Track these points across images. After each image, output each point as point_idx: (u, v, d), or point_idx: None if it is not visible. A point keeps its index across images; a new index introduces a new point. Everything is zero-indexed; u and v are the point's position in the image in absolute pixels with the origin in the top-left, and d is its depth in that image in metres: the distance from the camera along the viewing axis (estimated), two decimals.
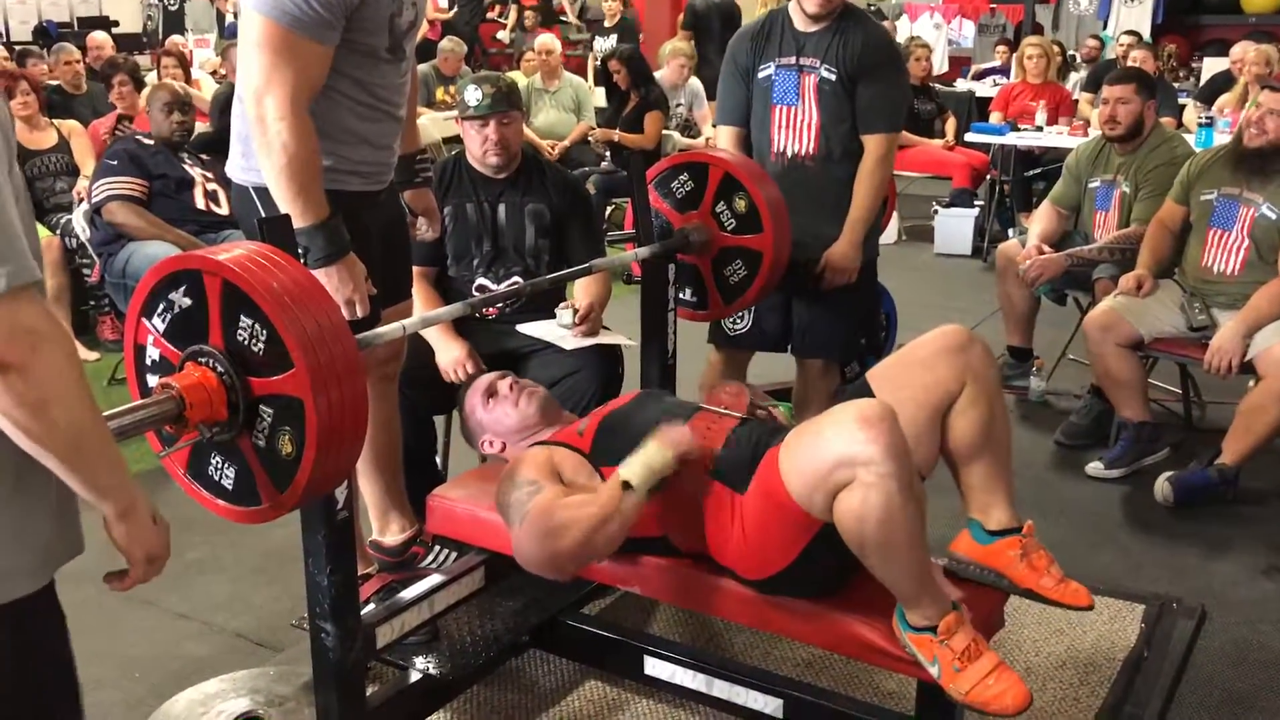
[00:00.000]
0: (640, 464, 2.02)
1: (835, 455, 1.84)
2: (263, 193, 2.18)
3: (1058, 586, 2.07)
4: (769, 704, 2.30)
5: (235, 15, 10.21)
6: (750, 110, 3.30)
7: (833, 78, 3.14)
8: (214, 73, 8.93)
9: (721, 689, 2.35)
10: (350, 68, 2.18)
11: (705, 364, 3.52)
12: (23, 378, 1.15)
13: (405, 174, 2.52)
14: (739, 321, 3.35)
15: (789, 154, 3.22)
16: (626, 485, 1.99)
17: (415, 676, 2.40)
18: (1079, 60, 9.40)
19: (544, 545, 2.00)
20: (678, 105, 7.65)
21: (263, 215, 2.16)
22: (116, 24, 10.44)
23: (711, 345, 3.49)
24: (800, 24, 3.20)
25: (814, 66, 3.16)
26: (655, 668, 2.43)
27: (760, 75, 3.25)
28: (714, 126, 3.66)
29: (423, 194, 2.61)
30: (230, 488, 1.82)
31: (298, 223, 2.05)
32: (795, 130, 3.21)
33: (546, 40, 7.75)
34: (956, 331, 2.15)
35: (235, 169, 2.31)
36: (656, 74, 7.53)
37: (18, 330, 1.14)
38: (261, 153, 2.09)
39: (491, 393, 2.47)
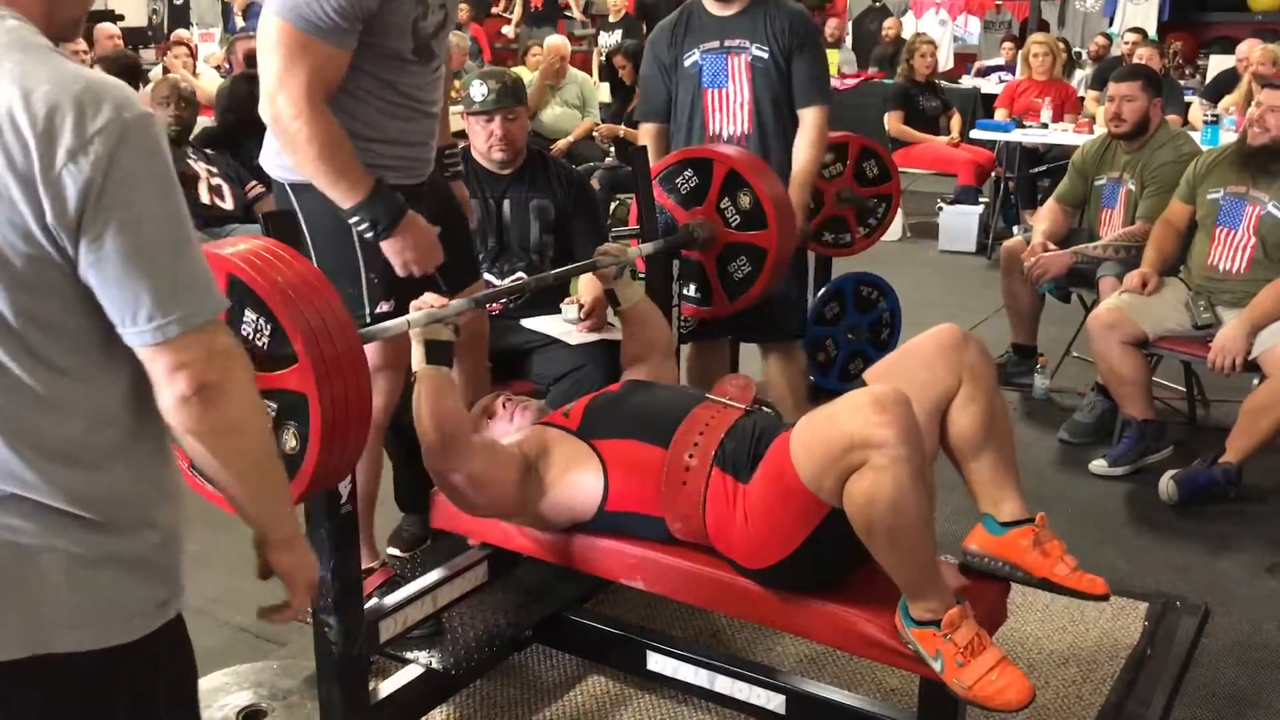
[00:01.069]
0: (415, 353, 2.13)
1: (848, 437, 1.84)
2: (296, 188, 2.21)
3: (1072, 574, 2.06)
4: (771, 700, 2.30)
5: (241, 13, 10.22)
6: (671, 105, 3.34)
7: (765, 55, 3.21)
8: (219, 67, 8.93)
9: (724, 685, 2.35)
10: (376, 69, 2.19)
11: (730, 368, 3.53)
12: (221, 399, 1.20)
13: (437, 166, 2.50)
14: (686, 319, 3.34)
15: (725, 135, 3.27)
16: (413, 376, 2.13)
17: (418, 671, 2.40)
18: (1085, 57, 9.39)
19: (431, 467, 2.16)
20: None
21: (295, 209, 2.21)
22: (122, 18, 10.41)
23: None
24: (715, 9, 3.26)
25: (743, 47, 3.22)
26: (658, 663, 2.43)
27: (686, 63, 3.29)
28: (632, 125, 3.68)
29: (454, 187, 2.58)
30: None
31: (345, 203, 2.11)
32: (729, 112, 3.27)
33: (558, 43, 7.70)
34: (952, 330, 2.16)
35: (271, 165, 2.31)
36: None
37: (216, 354, 1.19)
38: (289, 151, 2.11)
39: (489, 414, 2.47)
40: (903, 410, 1.84)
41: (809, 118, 3.26)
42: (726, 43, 3.24)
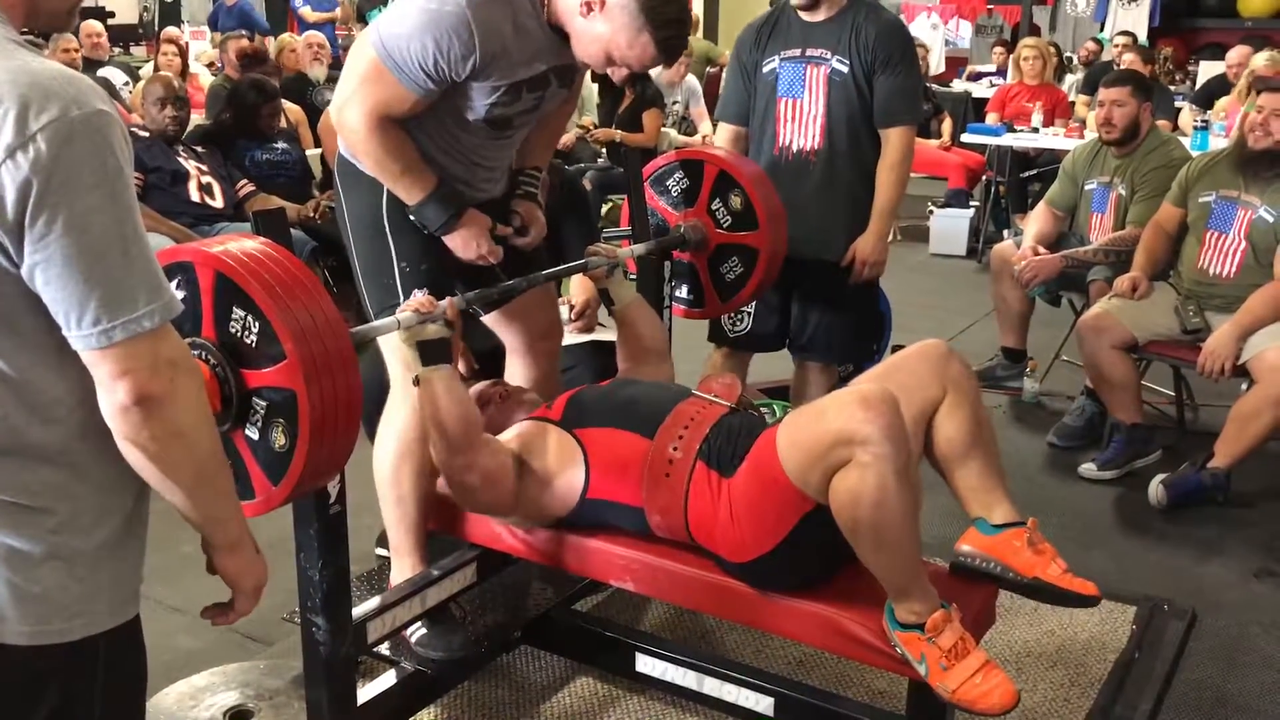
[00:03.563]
0: (396, 357, 2.17)
1: (834, 433, 1.85)
2: (345, 174, 2.34)
3: (1063, 576, 2.06)
4: (760, 702, 2.30)
5: (229, 7, 10.16)
6: (751, 108, 3.27)
7: (845, 69, 3.07)
8: (210, 65, 8.91)
9: (712, 686, 2.35)
10: (447, 116, 2.24)
11: (703, 363, 3.51)
12: (163, 409, 1.18)
13: (508, 185, 2.49)
14: (739, 323, 3.33)
15: (794, 149, 3.17)
16: (416, 381, 2.12)
17: (406, 672, 2.39)
18: (1076, 62, 9.41)
19: (448, 466, 2.16)
20: (674, 102, 7.65)
21: (341, 194, 2.35)
22: (113, 15, 10.38)
23: (713, 345, 3.48)
24: (805, 15, 3.13)
25: (824, 58, 3.09)
26: (646, 665, 2.43)
27: (765, 69, 3.19)
28: (714, 123, 3.64)
29: (522, 205, 2.49)
30: None
31: (408, 201, 2.24)
32: (800, 124, 3.15)
33: None
34: (936, 344, 2.19)
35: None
36: (652, 71, 7.50)
37: (160, 363, 1.17)
38: (353, 152, 2.25)
39: (484, 401, 2.47)
40: (889, 408, 1.85)
41: (893, 139, 3.09)
42: (808, 52, 3.11)
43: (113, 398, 1.16)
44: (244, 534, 1.38)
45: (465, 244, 2.30)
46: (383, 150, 2.18)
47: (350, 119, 2.18)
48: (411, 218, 2.27)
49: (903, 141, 3.11)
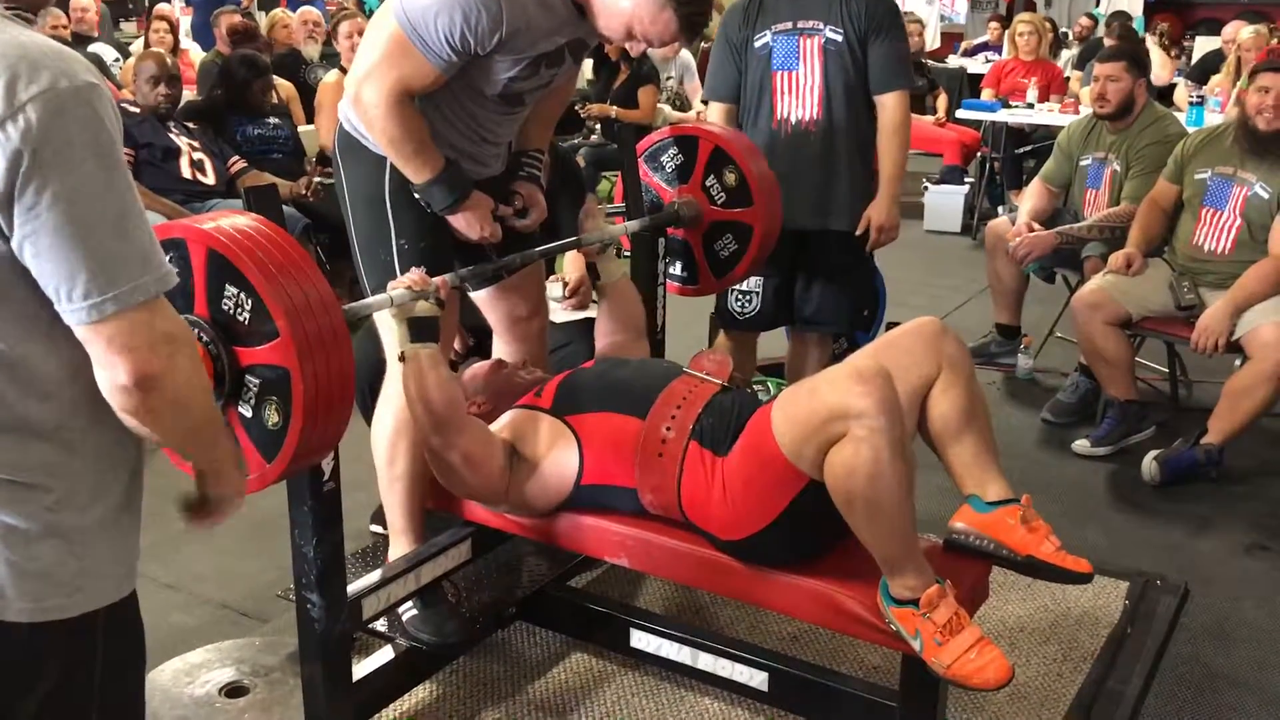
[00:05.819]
0: (391, 334, 2.14)
1: (829, 408, 1.86)
2: (346, 147, 2.32)
3: (1056, 554, 2.07)
4: (754, 677, 2.31)
5: None
6: (741, 85, 3.26)
7: (839, 38, 3.09)
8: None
9: (707, 662, 2.36)
10: (461, 94, 2.24)
11: (697, 341, 3.52)
12: (162, 386, 1.17)
13: (511, 165, 2.49)
14: (747, 305, 3.33)
15: (792, 120, 3.17)
16: (401, 357, 2.11)
17: (401, 648, 2.40)
18: (1071, 38, 9.39)
19: (429, 445, 2.17)
20: (668, 78, 7.61)
21: (341, 169, 2.34)
22: None
23: (721, 329, 3.47)
24: None
25: (816, 29, 3.11)
26: (641, 640, 2.44)
27: (757, 44, 3.19)
28: (703, 102, 3.62)
29: (524, 187, 2.48)
30: None
31: (415, 180, 2.23)
32: (798, 95, 3.16)
33: None
34: (931, 322, 2.20)
35: (342, 114, 2.37)
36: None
37: (157, 339, 1.15)
38: (366, 127, 2.23)
39: (491, 374, 2.46)
40: (883, 382, 1.86)
41: (890, 104, 3.12)
42: (800, 24, 3.13)
43: (111, 376, 1.15)
44: (232, 466, 1.41)
45: (469, 225, 2.30)
46: (399, 128, 2.17)
47: (369, 95, 2.16)
48: (417, 196, 2.26)
49: (900, 106, 3.14)
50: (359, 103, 2.19)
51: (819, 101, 3.14)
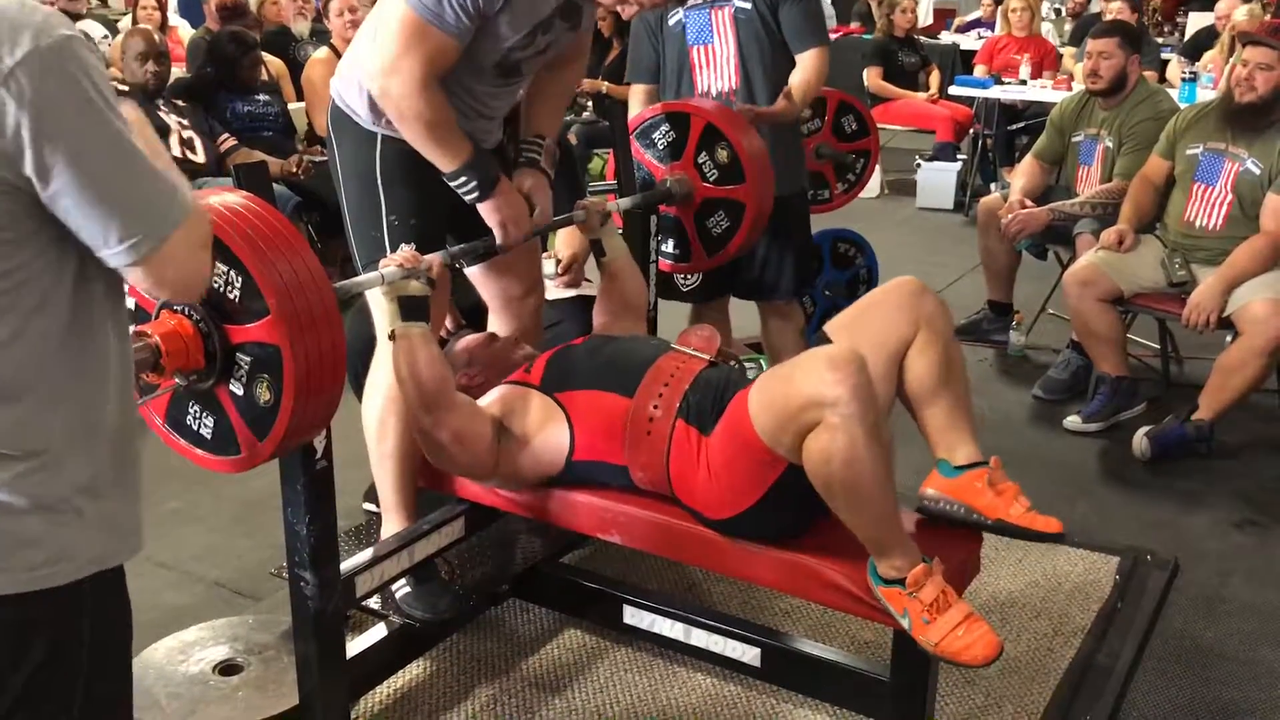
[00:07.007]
0: (382, 312, 2.13)
1: (803, 396, 1.86)
2: (338, 124, 2.34)
3: (1025, 515, 2.07)
4: (746, 653, 2.32)
5: None
6: (660, 65, 3.28)
7: (749, 6, 3.11)
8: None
9: (699, 638, 2.37)
10: (458, 69, 2.22)
11: (685, 319, 3.50)
12: (201, 285, 1.31)
13: (512, 151, 2.48)
14: (688, 278, 3.33)
15: (713, 93, 3.19)
16: (392, 335, 2.10)
17: (395, 625, 2.41)
18: (1064, 14, 9.35)
19: (418, 424, 2.18)
20: None
21: (334, 144, 2.35)
22: None
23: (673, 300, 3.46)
24: None
25: (725, 1, 3.13)
26: (634, 617, 2.45)
27: (670, 22, 3.22)
28: (626, 84, 3.62)
29: (523, 174, 2.44)
30: (209, 437, 1.81)
31: (444, 168, 2.24)
32: (716, 68, 3.19)
33: None
34: (910, 281, 2.19)
35: (336, 90, 2.37)
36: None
37: (195, 251, 1.25)
38: (395, 119, 2.21)
39: (481, 348, 2.47)
40: (856, 368, 1.85)
41: (808, 60, 3.10)
42: None
43: (158, 294, 1.29)
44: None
45: (495, 211, 2.30)
46: (434, 112, 2.16)
47: (396, 87, 2.14)
48: (454, 184, 2.26)
49: (817, 61, 3.13)
50: (387, 97, 2.16)
51: (735, 71, 3.16)
